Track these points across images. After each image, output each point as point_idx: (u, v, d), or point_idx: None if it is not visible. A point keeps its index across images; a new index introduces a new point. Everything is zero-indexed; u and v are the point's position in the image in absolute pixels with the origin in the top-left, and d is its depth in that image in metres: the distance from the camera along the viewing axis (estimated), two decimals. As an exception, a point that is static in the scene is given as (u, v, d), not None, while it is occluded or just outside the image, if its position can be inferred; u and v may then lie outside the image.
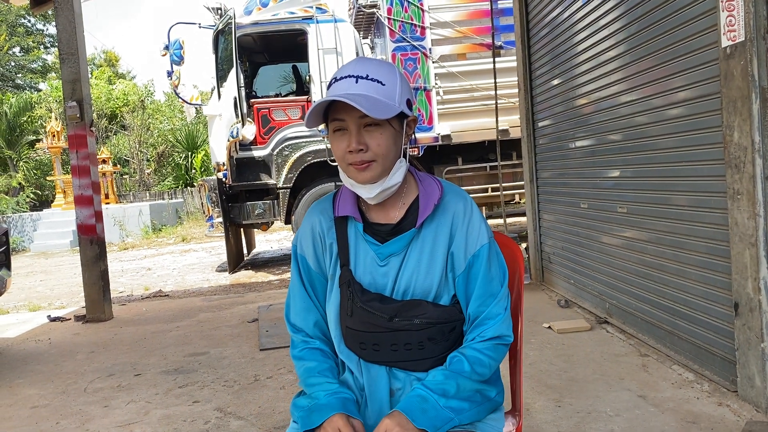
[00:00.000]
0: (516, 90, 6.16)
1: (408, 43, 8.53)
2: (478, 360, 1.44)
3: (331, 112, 1.42)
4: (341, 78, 1.41)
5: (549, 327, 4.34)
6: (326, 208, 1.57)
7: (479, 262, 1.47)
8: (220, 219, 8.71)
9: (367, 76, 1.39)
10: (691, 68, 3.17)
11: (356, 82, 1.39)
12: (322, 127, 1.51)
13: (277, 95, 9.73)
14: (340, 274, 1.50)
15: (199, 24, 9.44)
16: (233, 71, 8.47)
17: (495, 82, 6.89)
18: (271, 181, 8.77)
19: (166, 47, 9.01)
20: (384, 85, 1.40)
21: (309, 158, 8.66)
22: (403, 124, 1.46)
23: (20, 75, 30.77)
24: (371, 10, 8.81)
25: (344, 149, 1.41)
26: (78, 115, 5.75)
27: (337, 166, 1.47)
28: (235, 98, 8.47)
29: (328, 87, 1.45)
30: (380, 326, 1.45)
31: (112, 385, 3.93)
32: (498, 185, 7.64)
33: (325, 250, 1.54)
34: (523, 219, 9.48)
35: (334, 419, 1.38)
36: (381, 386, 1.48)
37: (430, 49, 8.56)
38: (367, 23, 9.83)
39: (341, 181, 1.47)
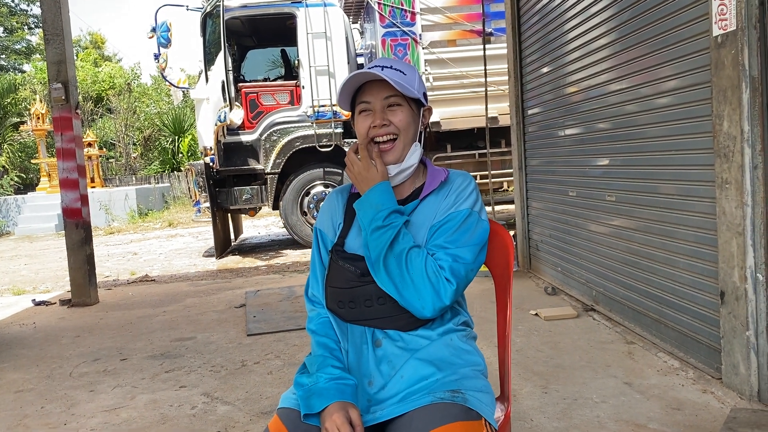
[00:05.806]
0: (506, 77, 6.14)
1: (398, 29, 8.48)
2: (425, 260, 1.50)
3: (357, 96, 1.63)
4: (367, 68, 1.60)
5: (536, 314, 4.37)
6: (344, 189, 1.77)
7: (453, 220, 1.56)
8: (207, 204, 8.64)
9: (391, 66, 1.60)
10: (681, 57, 3.17)
11: (382, 70, 1.58)
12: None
13: (265, 79, 9.65)
14: (335, 242, 1.65)
15: (187, 6, 9.32)
16: (221, 55, 8.38)
17: (485, 69, 6.87)
18: (259, 167, 8.70)
19: (153, 29, 8.89)
20: (405, 74, 1.61)
21: (297, 143, 8.57)
22: (420, 111, 1.65)
23: (4, 56, 30.32)
24: (361, -5, 8.77)
25: (368, 126, 1.60)
26: (63, 97, 5.68)
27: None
28: (223, 82, 8.39)
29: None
30: (353, 281, 1.56)
31: (97, 370, 3.91)
32: (487, 173, 7.64)
33: (338, 226, 1.69)
34: (511, 207, 9.49)
35: (333, 412, 1.42)
36: (365, 339, 1.55)
37: (420, 35, 8.51)
38: (357, 8, 9.76)
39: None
